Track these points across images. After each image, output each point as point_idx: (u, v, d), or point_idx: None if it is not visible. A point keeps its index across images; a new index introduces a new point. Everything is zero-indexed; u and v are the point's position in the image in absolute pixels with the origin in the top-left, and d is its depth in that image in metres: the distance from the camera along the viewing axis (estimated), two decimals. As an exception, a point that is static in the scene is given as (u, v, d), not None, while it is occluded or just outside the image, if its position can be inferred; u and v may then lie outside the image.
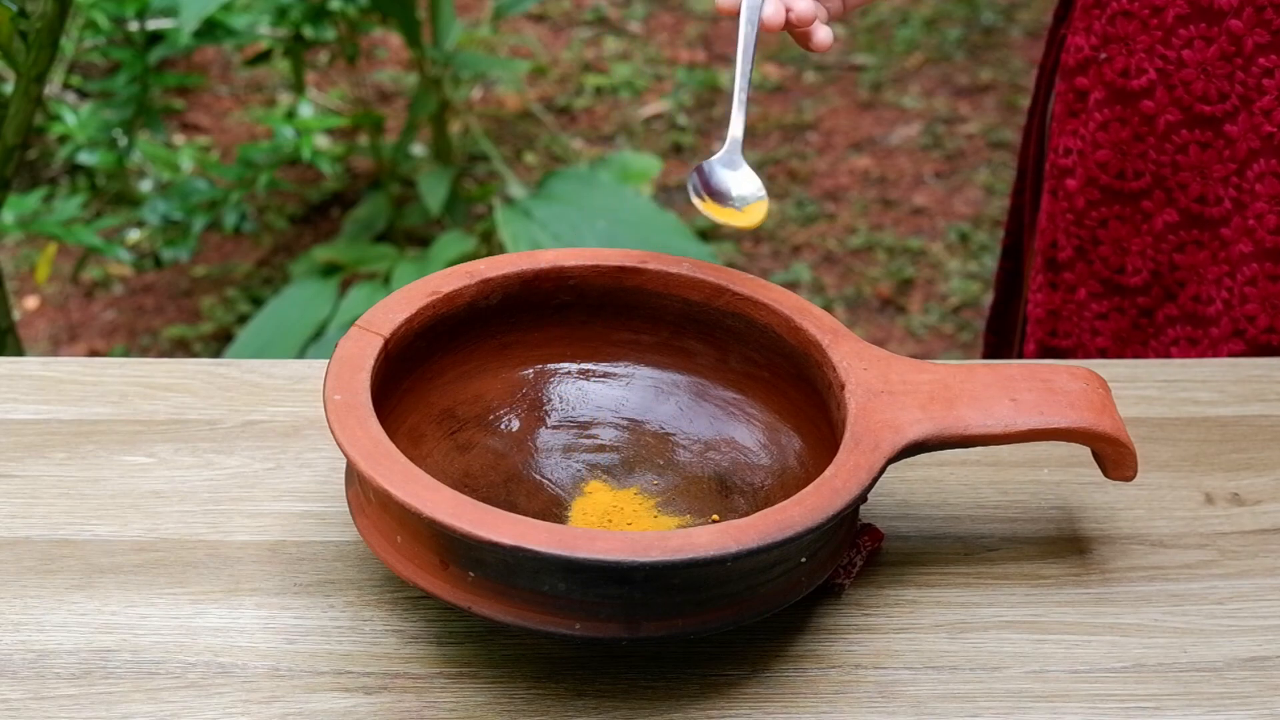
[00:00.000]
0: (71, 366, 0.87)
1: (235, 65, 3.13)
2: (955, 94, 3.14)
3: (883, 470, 0.68)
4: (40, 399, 0.84)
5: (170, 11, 2.35)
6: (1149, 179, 0.93)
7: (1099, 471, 0.75)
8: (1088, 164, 0.95)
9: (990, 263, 2.61)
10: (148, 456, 0.80)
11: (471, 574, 0.64)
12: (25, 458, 0.80)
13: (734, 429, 0.79)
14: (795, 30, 0.78)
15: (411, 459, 0.66)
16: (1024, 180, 1.13)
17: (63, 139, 2.61)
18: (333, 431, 0.67)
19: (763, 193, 0.77)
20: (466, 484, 0.75)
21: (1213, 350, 0.95)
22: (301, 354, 1.98)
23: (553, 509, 0.76)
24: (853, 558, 0.73)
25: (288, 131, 2.38)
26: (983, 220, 2.72)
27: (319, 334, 2.03)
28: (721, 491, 0.77)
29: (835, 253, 2.63)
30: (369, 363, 0.71)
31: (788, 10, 0.78)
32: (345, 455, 0.66)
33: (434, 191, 2.31)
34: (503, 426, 0.79)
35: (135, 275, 2.61)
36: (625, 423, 0.80)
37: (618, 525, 0.75)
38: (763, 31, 0.78)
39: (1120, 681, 0.69)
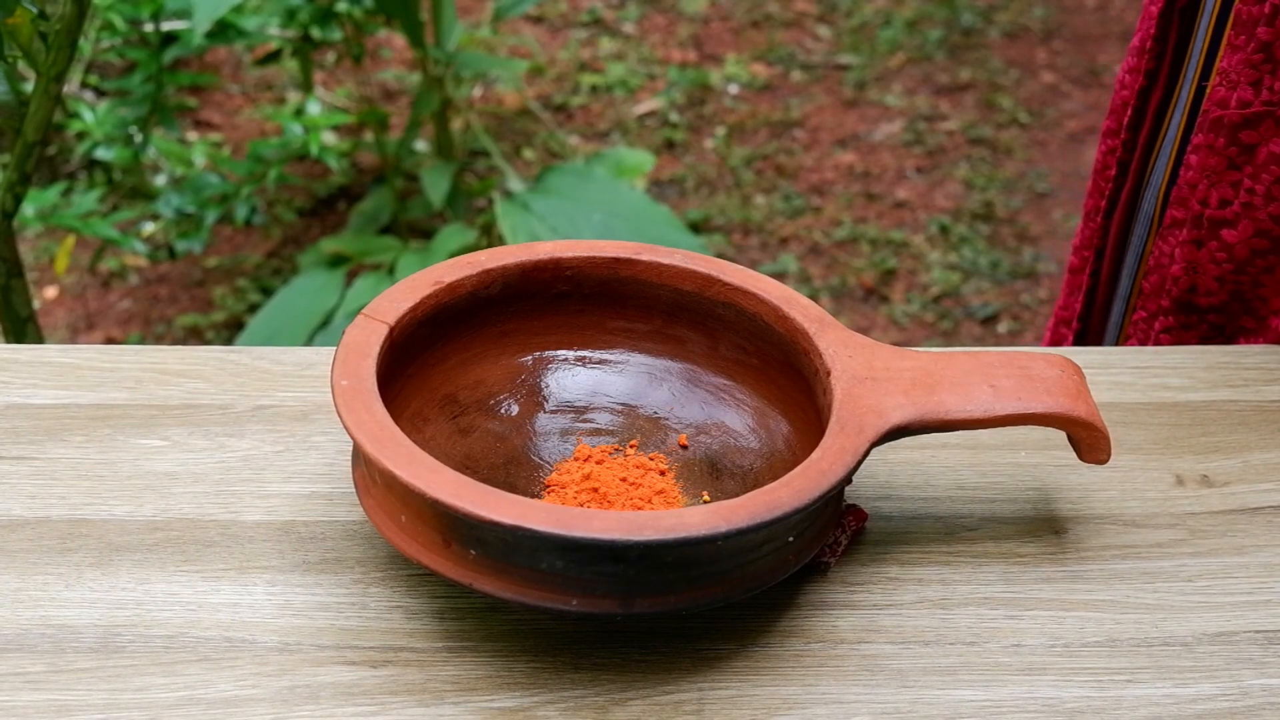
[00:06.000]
0: (89, 353, 0.87)
1: (246, 65, 3.15)
2: (936, 92, 3.16)
3: (867, 453, 0.68)
4: (59, 385, 0.84)
5: (184, 13, 2.38)
6: None
7: (1074, 455, 0.76)
8: (1257, 216, 0.93)
9: (969, 254, 2.63)
10: (162, 440, 0.81)
11: (473, 552, 0.65)
12: (45, 441, 0.80)
13: (724, 413, 0.80)
14: None
15: (415, 442, 0.66)
16: (1110, 220, 1.09)
17: (81, 135, 2.63)
18: (340, 416, 0.67)
19: None
20: (468, 466, 0.76)
21: None
22: (309, 341, 1.99)
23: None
24: (838, 537, 0.74)
25: (296, 128, 2.40)
26: (962, 213, 2.73)
27: (326, 322, 2.04)
28: (712, 473, 0.77)
29: (821, 244, 2.65)
30: (374, 350, 0.71)
31: None
32: (352, 438, 0.66)
33: (436, 186, 2.33)
34: (503, 411, 0.80)
35: (150, 266, 2.63)
36: (620, 407, 0.81)
37: (613, 506, 0.74)
38: None
39: (1094, 655, 0.69)
